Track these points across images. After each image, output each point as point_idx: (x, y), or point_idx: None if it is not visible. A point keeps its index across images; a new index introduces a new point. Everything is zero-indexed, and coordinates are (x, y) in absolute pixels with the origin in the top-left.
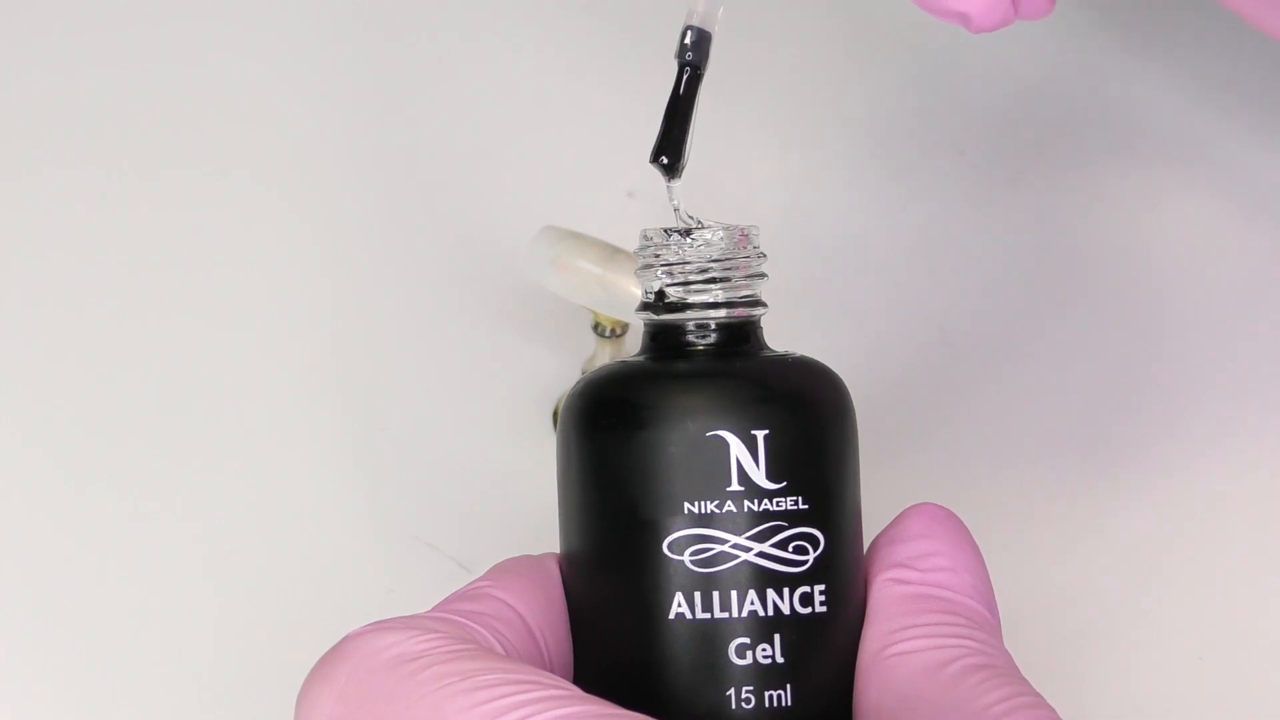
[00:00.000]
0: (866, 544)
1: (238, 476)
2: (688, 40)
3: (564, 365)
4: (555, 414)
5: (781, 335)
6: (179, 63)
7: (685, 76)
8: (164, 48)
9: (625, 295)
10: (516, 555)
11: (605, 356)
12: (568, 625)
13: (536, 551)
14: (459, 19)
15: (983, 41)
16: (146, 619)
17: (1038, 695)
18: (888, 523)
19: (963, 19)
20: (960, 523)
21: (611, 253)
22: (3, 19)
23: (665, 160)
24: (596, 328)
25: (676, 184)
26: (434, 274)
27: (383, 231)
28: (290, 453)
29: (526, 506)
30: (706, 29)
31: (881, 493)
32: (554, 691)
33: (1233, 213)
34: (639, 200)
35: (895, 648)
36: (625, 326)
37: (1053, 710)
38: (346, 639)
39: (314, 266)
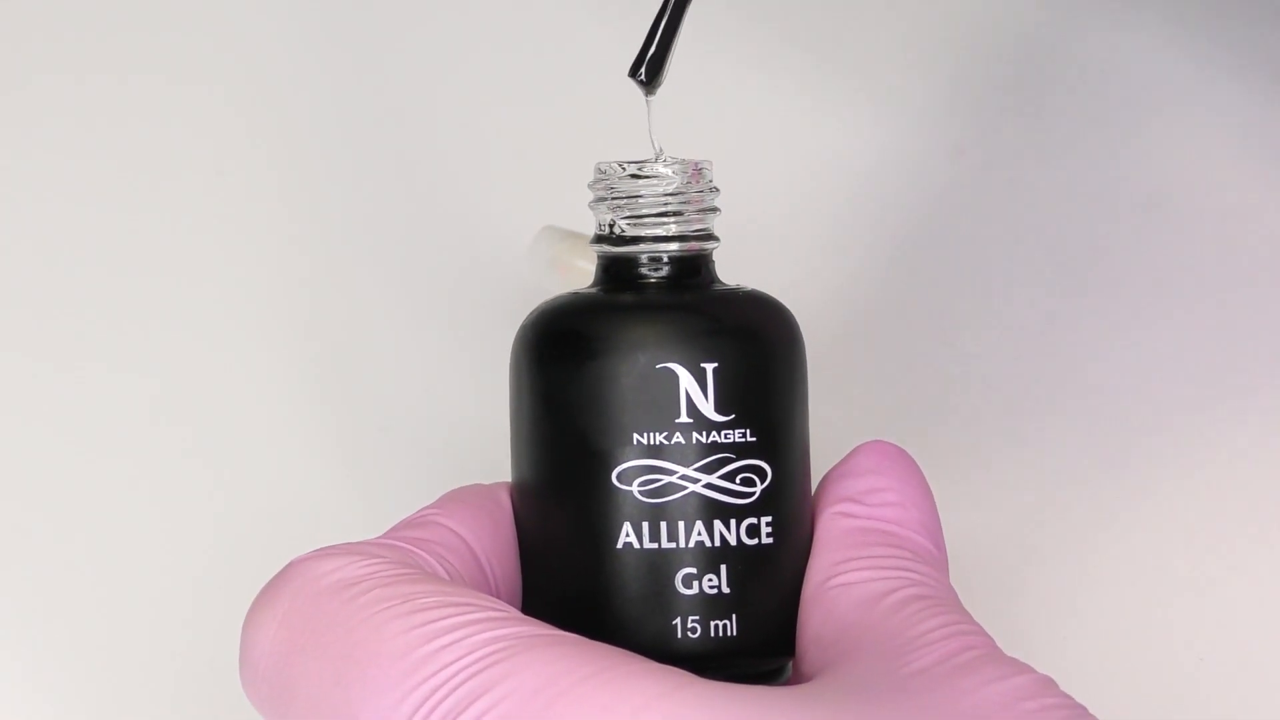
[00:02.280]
0: (816, 477)
1: (238, 479)
2: None
3: None
4: None
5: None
6: (173, 55)
7: None
8: (158, 40)
9: None
10: (468, 484)
11: None
12: (516, 553)
13: None
14: (459, 16)
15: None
16: (140, 618)
17: (976, 624)
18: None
19: None
20: (911, 460)
21: None
22: None
23: (644, 76)
24: None
25: (652, 99)
26: (434, 274)
27: (382, 232)
28: (289, 453)
29: None
30: None
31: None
32: (492, 613)
33: (1251, 183)
34: None
35: (838, 579)
36: None
37: (990, 638)
38: (290, 565)
39: (312, 267)
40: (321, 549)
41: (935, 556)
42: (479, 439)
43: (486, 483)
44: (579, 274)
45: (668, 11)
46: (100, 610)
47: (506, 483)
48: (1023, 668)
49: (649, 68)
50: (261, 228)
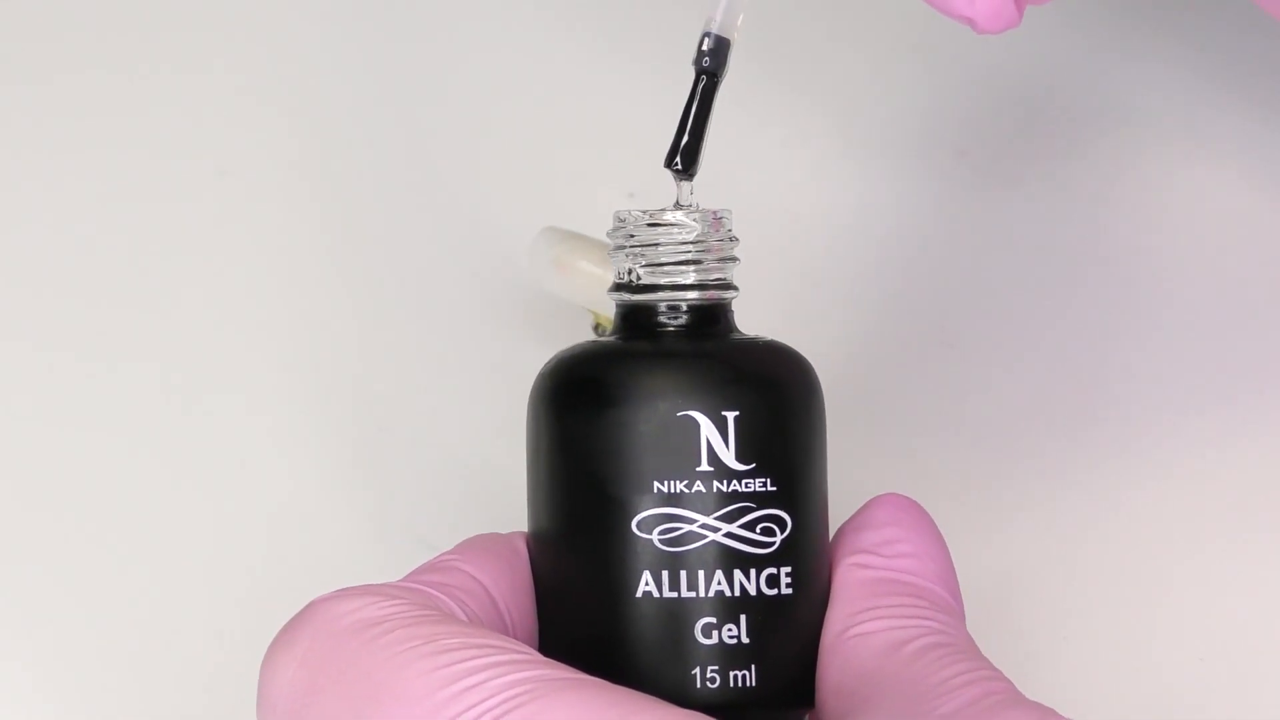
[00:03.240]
0: (832, 528)
1: (237, 477)
2: (705, 47)
3: None
4: None
5: (753, 316)
6: (178, 52)
7: (702, 84)
8: (163, 37)
9: None
10: (485, 533)
11: None
12: (533, 601)
13: None
14: (460, 18)
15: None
16: (144, 620)
17: (996, 670)
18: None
19: (969, 22)
20: (925, 513)
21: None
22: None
23: (680, 167)
24: (597, 328)
25: (688, 186)
26: (434, 274)
27: (382, 231)
28: (290, 453)
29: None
30: (725, 36)
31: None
32: (515, 655)
33: (1247, 199)
34: (639, 200)
35: (856, 629)
36: None
37: (1011, 684)
38: (310, 605)
39: (313, 266)
40: (341, 590)
41: (952, 606)
42: (476, 438)
43: (503, 531)
44: (580, 275)
45: (696, 99)
46: (112, 640)
47: (523, 532)
48: (1047, 712)
49: (684, 158)
50: (264, 229)
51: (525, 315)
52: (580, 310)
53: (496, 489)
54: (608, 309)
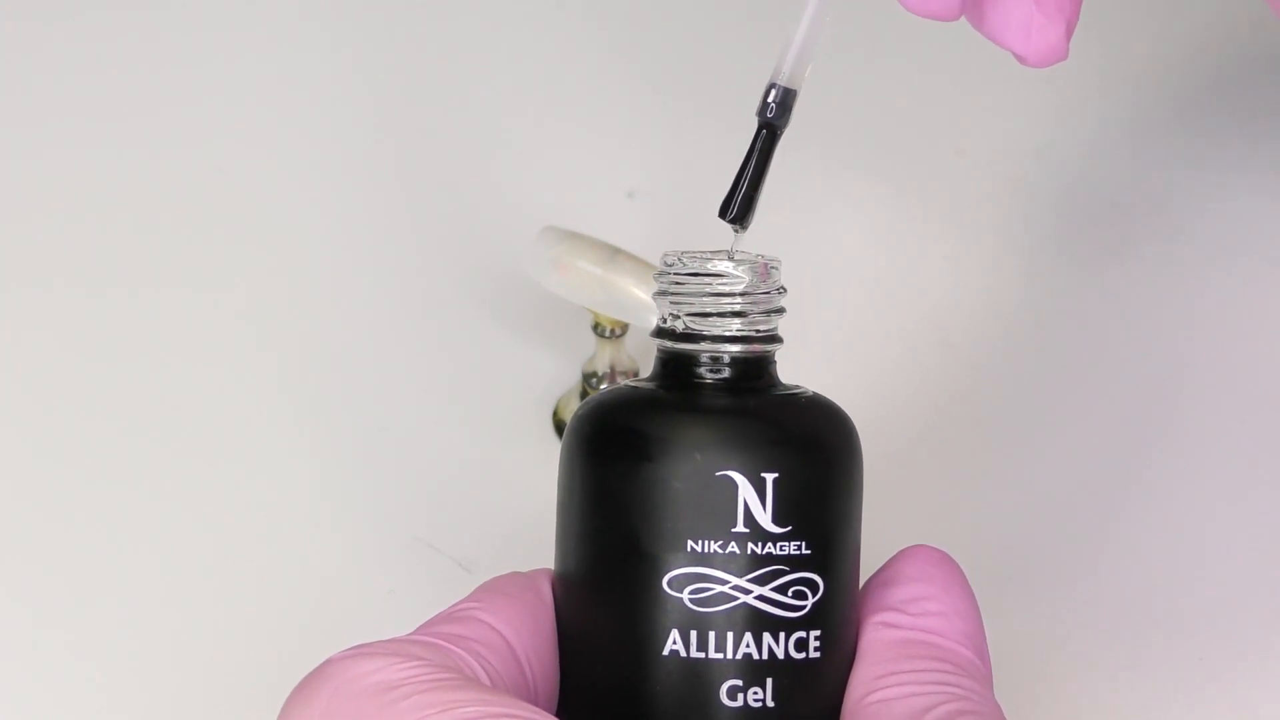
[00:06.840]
0: (862, 578)
1: (239, 478)
2: (771, 99)
3: (564, 365)
4: (555, 414)
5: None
6: (184, 54)
7: (763, 135)
8: (171, 41)
9: (625, 296)
10: (508, 572)
11: (605, 357)
12: (555, 649)
13: (536, 553)
14: (460, 20)
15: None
16: (147, 621)
17: None
18: (884, 559)
19: (1019, 56)
20: (955, 566)
21: (612, 253)
22: None
23: (735, 218)
24: (596, 328)
25: (741, 234)
26: (434, 274)
27: (383, 231)
28: (291, 453)
29: (526, 506)
30: (793, 88)
31: (880, 527)
32: None
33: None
34: (639, 200)
35: (878, 694)
36: (625, 327)
37: None
38: (328, 662)
39: (314, 266)
40: (359, 647)
41: (978, 668)
42: (476, 438)
43: (533, 556)
44: (579, 274)
45: (755, 154)
46: (112, 638)
47: (546, 570)
48: None
49: (739, 210)
50: (264, 229)
51: (525, 315)
52: (579, 309)
53: (496, 489)
54: (606, 308)
